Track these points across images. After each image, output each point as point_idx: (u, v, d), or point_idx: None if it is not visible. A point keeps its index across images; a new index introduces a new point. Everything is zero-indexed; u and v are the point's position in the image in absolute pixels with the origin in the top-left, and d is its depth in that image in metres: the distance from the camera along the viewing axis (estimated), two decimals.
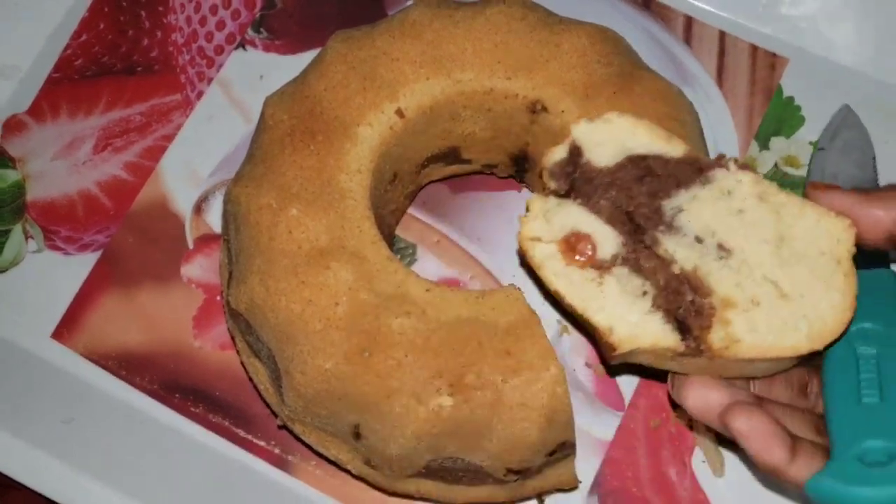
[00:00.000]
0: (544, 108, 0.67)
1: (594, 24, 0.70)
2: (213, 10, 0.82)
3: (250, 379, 0.69)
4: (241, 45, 0.81)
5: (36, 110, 0.80)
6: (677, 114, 0.67)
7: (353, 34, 0.68)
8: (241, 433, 0.72)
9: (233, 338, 0.69)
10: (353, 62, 0.66)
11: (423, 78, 0.67)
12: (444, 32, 0.67)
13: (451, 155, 0.72)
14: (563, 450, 0.63)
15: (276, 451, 0.72)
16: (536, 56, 0.67)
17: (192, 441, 0.72)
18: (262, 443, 0.72)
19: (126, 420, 0.72)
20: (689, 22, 0.81)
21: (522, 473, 0.64)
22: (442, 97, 0.67)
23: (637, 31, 0.80)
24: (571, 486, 0.67)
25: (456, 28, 0.67)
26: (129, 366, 0.74)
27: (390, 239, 0.72)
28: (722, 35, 0.80)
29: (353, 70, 0.66)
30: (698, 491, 0.71)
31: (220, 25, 0.82)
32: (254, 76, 0.81)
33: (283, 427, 0.67)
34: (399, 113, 0.66)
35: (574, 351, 0.73)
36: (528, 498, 0.67)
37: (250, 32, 0.82)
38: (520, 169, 0.73)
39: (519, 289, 0.63)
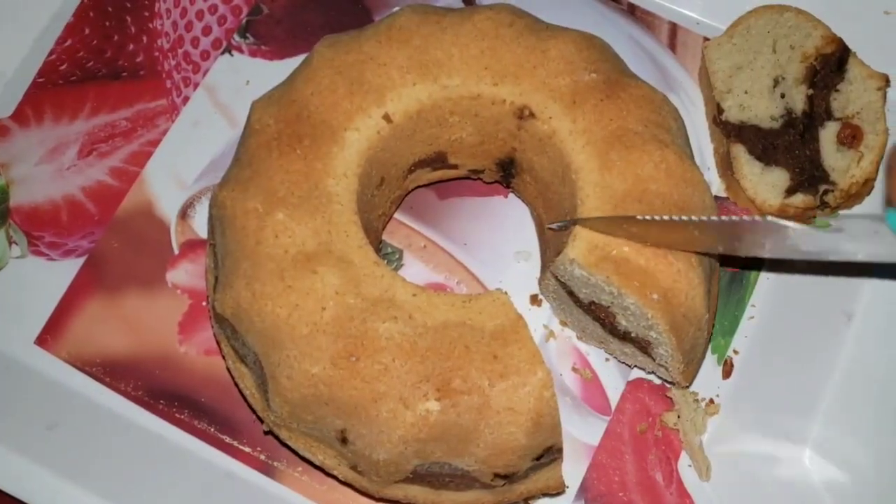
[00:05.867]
0: (531, 114, 0.67)
1: (581, 31, 0.70)
2: (199, 15, 0.82)
3: (236, 384, 0.68)
4: (228, 51, 0.81)
5: (20, 115, 0.79)
6: (663, 120, 0.67)
7: (341, 39, 0.68)
8: (227, 439, 0.72)
9: (218, 343, 0.69)
10: (340, 67, 0.66)
11: (411, 83, 0.67)
12: (432, 38, 0.67)
13: (438, 160, 0.72)
14: (550, 454, 0.63)
15: (262, 457, 0.71)
16: (524, 62, 0.67)
17: (177, 447, 0.71)
18: (247, 449, 0.72)
19: (110, 426, 0.72)
20: (673, 29, 0.82)
21: (509, 478, 0.63)
22: (429, 102, 0.67)
23: (623, 38, 0.80)
24: (559, 491, 0.67)
25: (443, 34, 0.67)
26: (113, 372, 0.73)
27: (377, 244, 0.72)
28: (706, 42, 0.81)
29: (340, 75, 0.66)
30: (685, 495, 0.71)
31: (207, 31, 0.82)
32: (240, 81, 0.80)
33: (269, 433, 0.67)
34: (386, 118, 0.66)
35: (561, 355, 0.73)
36: (516, 502, 0.67)
37: (236, 38, 0.82)
38: (506, 174, 0.73)
39: (506, 293, 0.63)
